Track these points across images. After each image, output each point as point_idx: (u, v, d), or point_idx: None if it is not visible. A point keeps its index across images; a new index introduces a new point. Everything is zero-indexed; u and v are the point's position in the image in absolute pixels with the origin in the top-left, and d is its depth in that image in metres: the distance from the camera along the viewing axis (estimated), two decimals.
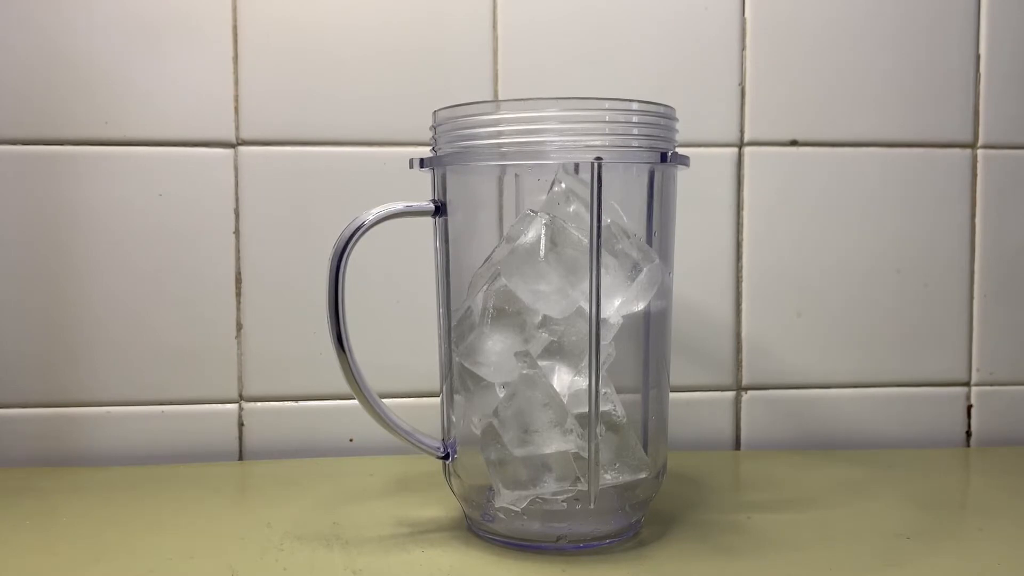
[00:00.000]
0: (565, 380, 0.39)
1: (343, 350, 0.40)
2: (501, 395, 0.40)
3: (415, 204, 0.41)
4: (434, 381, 0.44)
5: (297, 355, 0.56)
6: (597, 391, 0.38)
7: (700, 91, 0.57)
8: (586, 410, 0.38)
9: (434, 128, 0.41)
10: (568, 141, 0.39)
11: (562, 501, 0.39)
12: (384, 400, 0.42)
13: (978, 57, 0.59)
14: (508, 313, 0.39)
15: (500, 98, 0.56)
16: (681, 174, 0.43)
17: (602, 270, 0.37)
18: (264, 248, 0.56)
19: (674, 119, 0.41)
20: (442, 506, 0.46)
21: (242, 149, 0.56)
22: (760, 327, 0.59)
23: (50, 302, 0.55)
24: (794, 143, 0.58)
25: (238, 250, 0.56)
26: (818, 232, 0.59)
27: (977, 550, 0.41)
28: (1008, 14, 0.59)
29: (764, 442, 0.59)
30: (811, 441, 0.59)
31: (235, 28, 0.55)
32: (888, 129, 0.59)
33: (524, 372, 0.38)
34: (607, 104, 0.40)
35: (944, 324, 0.60)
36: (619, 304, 0.39)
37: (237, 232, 0.56)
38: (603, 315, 0.38)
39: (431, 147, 0.42)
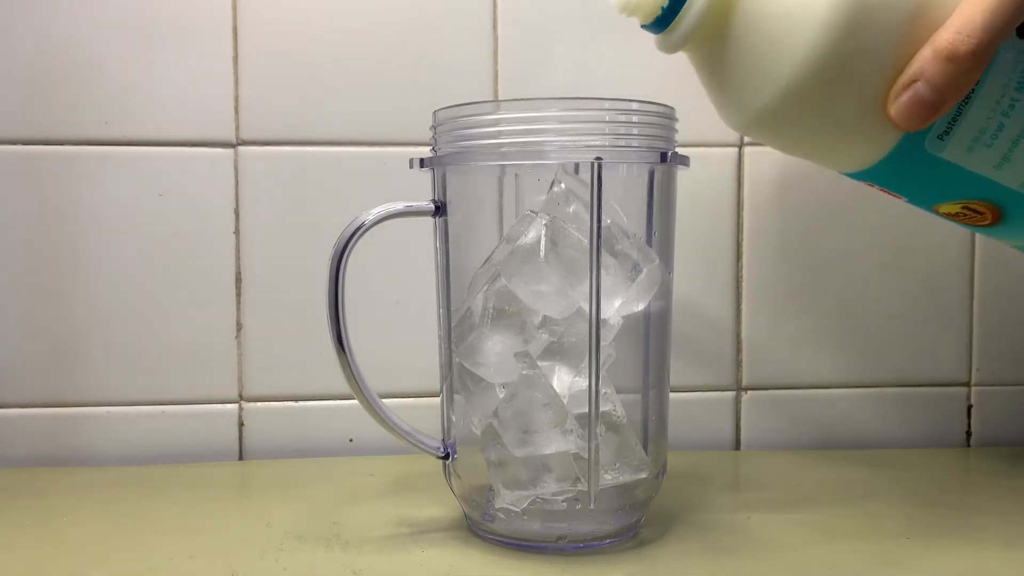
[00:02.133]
0: (565, 380, 0.39)
1: (343, 350, 0.40)
2: (501, 395, 0.40)
3: (415, 204, 0.41)
4: (434, 381, 0.44)
5: (297, 355, 0.56)
6: (597, 391, 0.38)
7: (700, 91, 0.57)
8: (586, 410, 0.38)
9: (434, 128, 0.41)
10: (568, 141, 0.39)
11: (562, 501, 0.39)
12: (384, 400, 0.42)
13: None
14: (508, 314, 0.39)
15: (500, 98, 0.56)
16: (681, 174, 0.43)
17: (602, 271, 0.37)
18: (264, 248, 0.56)
19: (674, 119, 0.41)
20: (442, 506, 0.46)
21: (242, 149, 0.56)
22: (760, 327, 0.59)
23: (50, 302, 0.55)
24: None
25: (238, 250, 0.56)
26: (818, 232, 0.59)
27: (977, 550, 0.41)
28: None
29: (764, 442, 0.59)
30: (811, 441, 0.59)
31: (235, 28, 0.55)
32: None
33: (524, 372, 0.38)
34: (607, 104, 0.40)
35: (944, 324, 0.60)
36: (619, 305, 0.39)
37: (237, 232, 0.56)
38: (603, 316, 0.38)
39: (431, 147, 0.42)
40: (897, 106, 0.35)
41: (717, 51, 0.40)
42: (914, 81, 0.35)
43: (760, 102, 0.38)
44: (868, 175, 0.40)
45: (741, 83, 0.39)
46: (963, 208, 0.40)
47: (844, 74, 0.36)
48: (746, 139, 0.58)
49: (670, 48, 0.41)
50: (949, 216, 0.41)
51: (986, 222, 0.40)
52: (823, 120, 0.38)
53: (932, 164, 0.38)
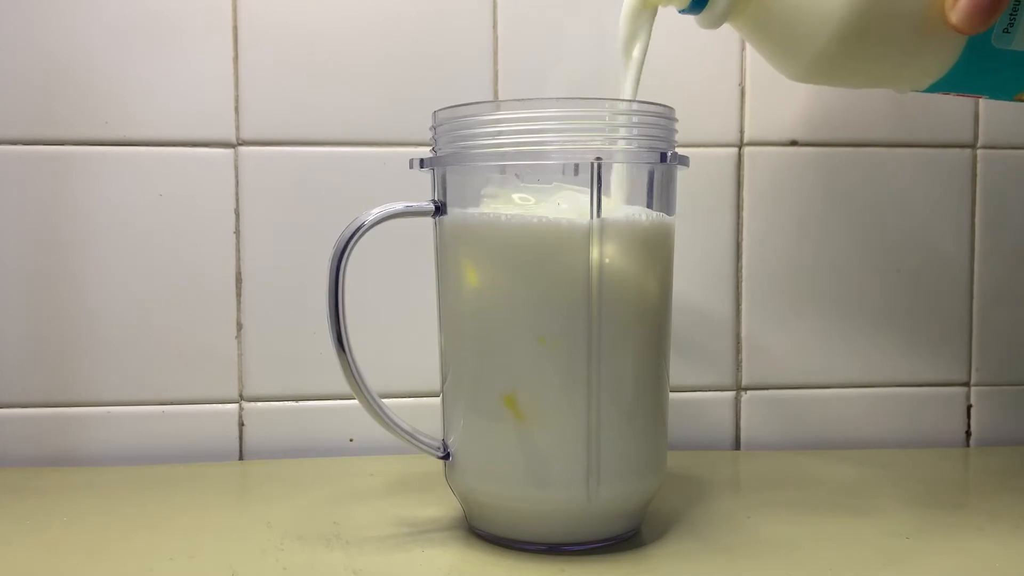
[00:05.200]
0: None
1: (343, 350, 0.40)
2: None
3: (415, 204, 0.41)
4: (434, 381, 0.44)
5: (297, 355, 0.56)
6: (598, 401, 0.38)
7: (700, 91, 0.57)
8: None
9: (434, 128, 0.41)
10: (568, 141, 0.39)
11: (562, 501, 0.39)
12: (384, 400, 0.42)
13: None
14: None
15: (500, 98, 0.56)
16: (681, 174, 0.43)
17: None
18: (264, 248, 0.56)
19: (674, 119, 0.41)
20: (442, 506, 0.46)
21: (242, 149, 0.56)
22: (760, 327, 0.59)
23: (50, 302, 0.55)
24: (794, 143, 0.58)
25: (238, 250, 0.56)
26: (818, 232, 0.59)
27: (977, 550, 0.41)
28: None
29: (764, 442, 0.59)
30: (811, 441, 0.59)
31: (235, 28, 0.55)
32: (888, 129, 0.59)
33: None
34: (607, 104, 0.40)
35: (944, 324, 0.60)
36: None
37: (237, 232, 0.56)
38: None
39: (431, 147, 0.42)
40: (957, 12, 0.35)
41: (761, 9, 0.40)
42: None
43: (818, 45, 0.38)
44: (942, 86, 0.40)
45: (794, 32, 0.39)
46: None
47: None
48: (746, 139, 0.58)
49: (714, 23, 0.41)
50: None
51: None
52: (883, 46, 0.38)
53: (1004, 59, 0.38)
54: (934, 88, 0.41)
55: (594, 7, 0.57)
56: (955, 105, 0.59)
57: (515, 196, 0.39)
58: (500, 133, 0.39)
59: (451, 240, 0.41)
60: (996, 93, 0.41)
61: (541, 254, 0.38)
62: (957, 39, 0.37)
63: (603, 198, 0.39)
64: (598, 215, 0.38)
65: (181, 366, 0.56)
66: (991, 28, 0.37)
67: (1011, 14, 0.37)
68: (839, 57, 0.38)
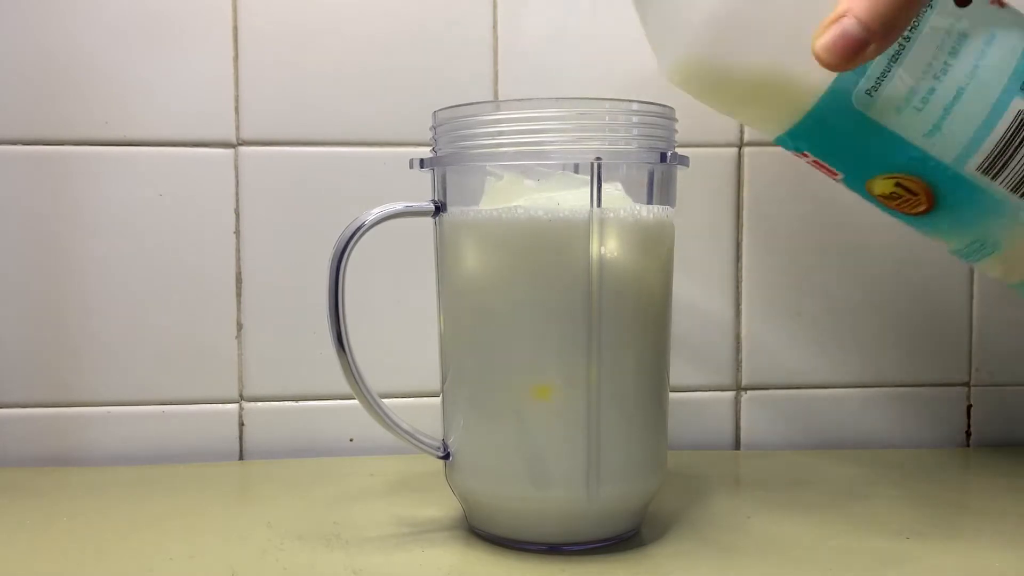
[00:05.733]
0: None
1: (343, 350, 0.40)
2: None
3: (415, 204, 0.41)
4: (434, 381, 0.44)
5: (297, 355, 0.56)
6: (599, 401, 0.38)
7: None
8: None
9: (434, 128, 0.41)
10: (568, 141, 0.39)
11: (562, 501, 0.39)
12: (384, 400, 0.42)
13: None
14: None
15: (500, 98, 0.56)
16: (681, 174, 0.43)
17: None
18: (264, 248, 0.56)
19: (674, 119, 0.41)
20: (442, 506, 0.46)
21: (242, 149, 0.56)
22: (760, 327, 0.59)
23: (50, 302, 0.55)
24: None
25: (238, 250, 0.56)
26: (818, 232, 0.59)
27: (977, 550, 0.41)
28: None
29: (764, 442, 0.59)
30: (811, 441, 0.59)
31: (235, 28, 0.55)
32: None
33: None
34: (607, 104, 0.40)
35: (944, 324, 0.60)
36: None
37: (237, 232, 0.56)
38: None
39: (431, 147, 0.42)
40: (822, 41, 0.34)
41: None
42: (841, 17, 0.34)
43: (675, 52, 0.38)
44: (798, 134, 0.39)
45: (662, 33, 0.39)
46: (896, 186, 0.38)
47: (753, 28, 0.36)
48: (746, 139, 0.58)
49: None
50: (885, 200, 0.39)
51: (921, 208, 0.39)
52: (746, 60, 0.37)
53: (861, 124, 0.37)
54: (792, 136, 0.39)
55: (594, 6, 0.57)
56: None
57: (518, 188, 0.39)
58: (500, 133, 0.39)
59: (451, 240, 0.41)
60: (850, 170, 0.40)
61: (541, 253, 0.38)
62: (819, 79, 0.36)
63: (616, 195, 0.39)
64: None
65: (181, 366, 0.56)
66: (855, 84, 0.36)
67: (879, 77, 0.36)
68: (701, 61, 0.38)
